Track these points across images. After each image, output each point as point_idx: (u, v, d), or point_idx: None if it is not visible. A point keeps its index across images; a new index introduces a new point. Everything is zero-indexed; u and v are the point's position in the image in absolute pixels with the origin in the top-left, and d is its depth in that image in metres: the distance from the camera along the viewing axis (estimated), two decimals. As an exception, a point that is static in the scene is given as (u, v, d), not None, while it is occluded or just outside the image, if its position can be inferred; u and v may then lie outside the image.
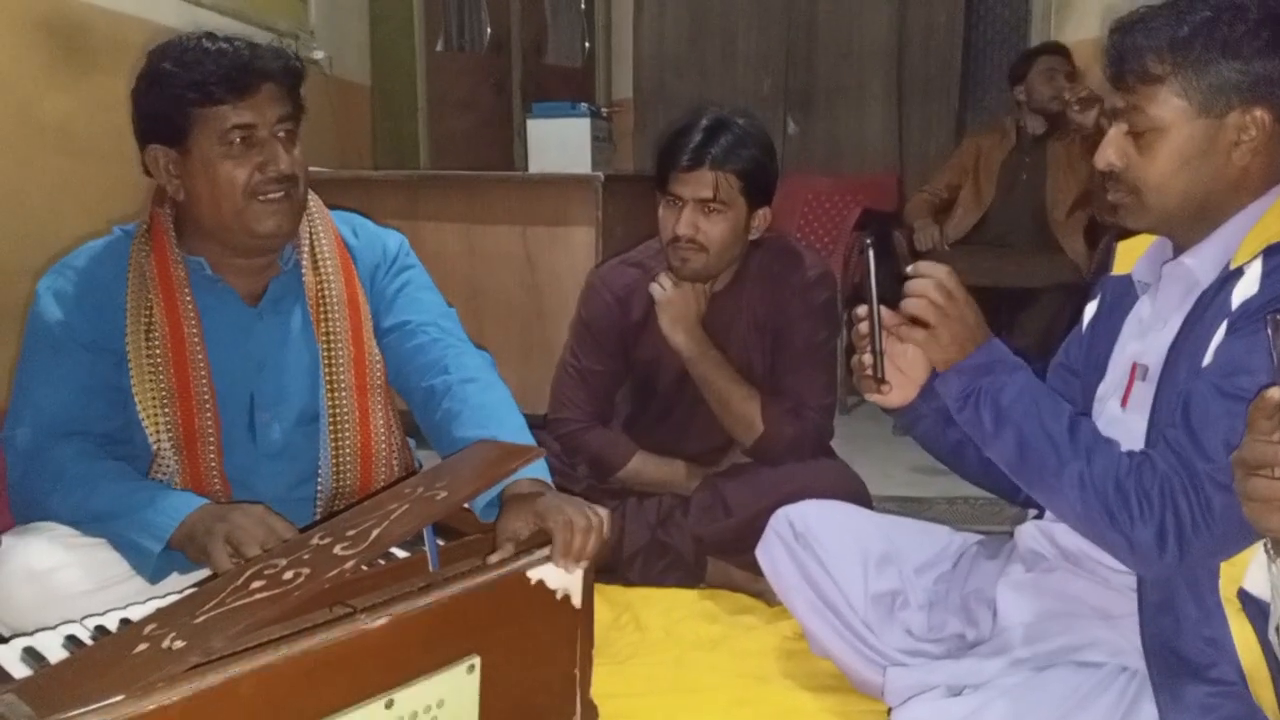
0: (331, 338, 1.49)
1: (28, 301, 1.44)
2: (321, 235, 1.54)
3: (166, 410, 1.41)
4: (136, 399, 1.41)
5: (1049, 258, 3.37)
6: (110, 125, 2.95)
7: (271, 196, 1.41)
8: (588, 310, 2.16)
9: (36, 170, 2.71)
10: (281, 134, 1.42)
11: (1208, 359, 1.15)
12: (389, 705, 1.05)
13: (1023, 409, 1.27)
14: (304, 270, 1.51)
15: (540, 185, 3.14)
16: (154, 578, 1.32)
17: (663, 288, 2.02)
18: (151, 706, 0.88)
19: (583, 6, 5.46)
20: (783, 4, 4.84)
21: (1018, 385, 1.29)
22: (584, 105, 3.39)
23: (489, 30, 5.02)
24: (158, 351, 1.41)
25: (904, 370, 1.44)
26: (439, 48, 4.78)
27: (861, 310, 1.42)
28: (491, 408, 1.47)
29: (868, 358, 1.42)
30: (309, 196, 1.54)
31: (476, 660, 1.13)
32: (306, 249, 1.52)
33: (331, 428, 1.49)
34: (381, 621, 1.05)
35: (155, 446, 1.42)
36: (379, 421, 1.53)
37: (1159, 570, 1.19)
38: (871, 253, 1.41)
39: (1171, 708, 1.18)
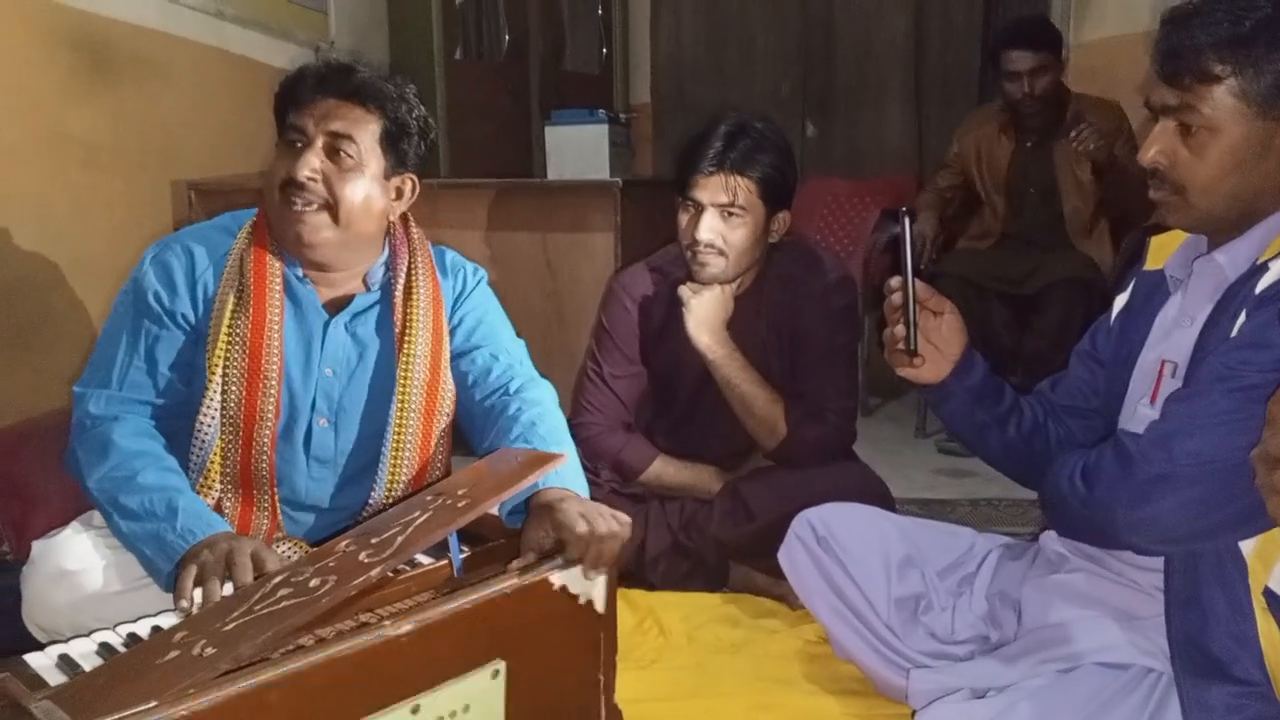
0: (410, 360, 1.53)
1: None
2: (420, 266, 1.59)
3: (234, 389, 1.45)
4: (208, 372, 1.45)
5: (1063, 254, 3.28)
6: (135, 139, 3.00)
7: (293, 202, 1.46)
8: (608, 315, 2.17)
9: (62, 184, 2.75)
10: (327, 147, 1.47)
11: None
12: (415, 710, 1.06)
13: None
14: (396, 295, 1.56)
15: (559, 192, 3.15)
16: (168, 587, 1.33)
17: (692, 291, 2.02)
18: (184, 713, 0.90)
19: (600, 12, 5.47)
20: (799, 6, 4.82)
21: None
22: (602, 111, 3.40)
23: (507, 38, 5.04)
24: (239, 332, 1.46)
25: (938, 345, 1.42)
26: (457, 56, 4.80)
27: (895, 282, 1.39)
28: (545, 434, 1.48)
29: (900, 330, 1.39)
30: (412, 231, 1.62)
31: (501, 665, 1.14)
32: (402, 276, 1.57)
33: (394, 446, 1.52)
34: (408, 629, 1.05)
35: (201, 422, 1.45)
36: (439, 447, 1.57)
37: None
38: (908, 221, 1.38)
39: (1196, 708, 1.18)
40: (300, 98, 1.50)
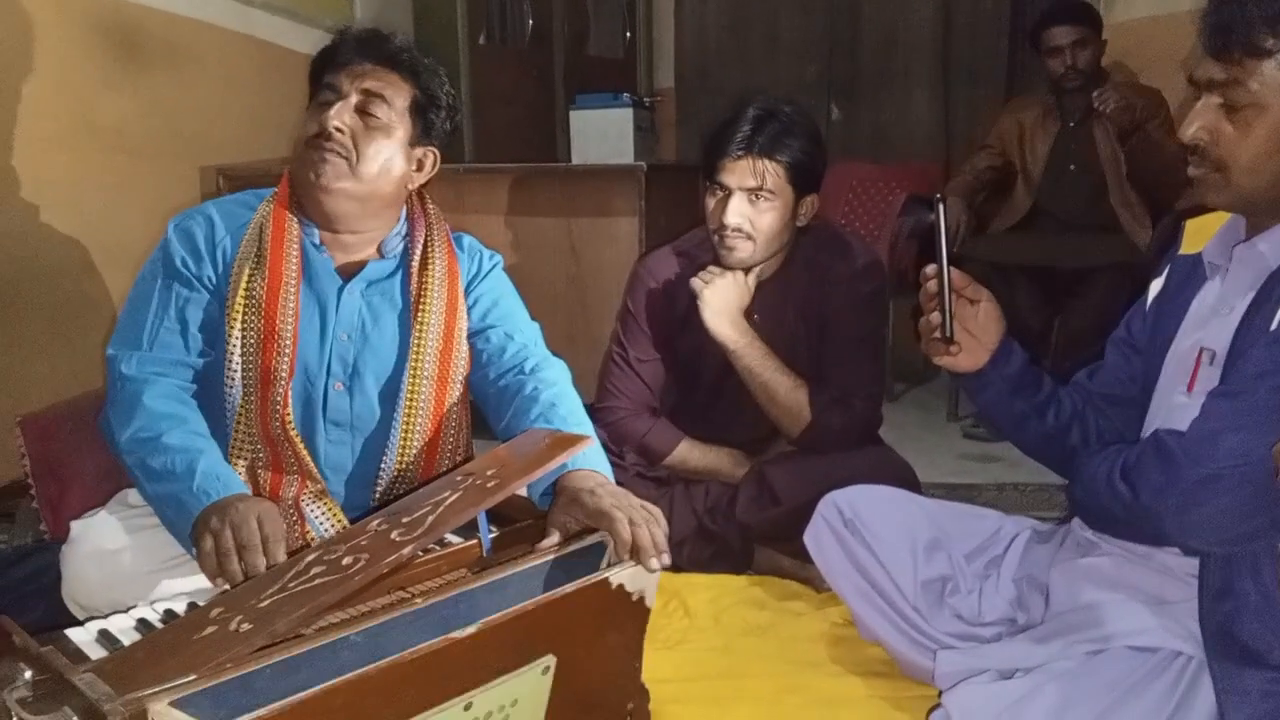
0: (424, 327, 1.55)
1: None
2: (436, 239, 1.62)
3: (251, 349, 1.48)
4: (227, 332, 1.48)
5: (1104, 237, 3.26)
6: (165, 124, 3.03)
7: (321, 147, 1.49)
8: (633, 300, 2.17)
9: (93, 169, 2.78)
10: (359, 105, 1.51)
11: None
12: (467, 707, 1.06)
13: None
14: (413, 263, 1.59)
15: (584, 176, 3.15)
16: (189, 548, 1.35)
17: (703, 280, 2.01)
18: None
19: (624, -3, 5.47)
20: (824, -11, 4.80)
21: None
22: (626, 95, 3.40)
23: (531, 23, 5.03)
24: (255, 294, 1.49)
25: (974, 334, 1.41)
26: (482, 41, 4.80)
27: (930, 269, 1.38)
28: (566, 414, 1.50)
29: (935, 317, 1.38)
30: (429, 207, 1.65)
31: (552, 661, 1.14)
32: (419, 248, 1.60)
33: (406, 411, 1.53)
34: (472, 631, 1.05)
35: (229, 384, 1.48)
36: (452, 415, 1.58)
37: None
38: (942, 208, 1.37)
39: (1230, 693, 1.17)
40: (338, 59, 1.54)
